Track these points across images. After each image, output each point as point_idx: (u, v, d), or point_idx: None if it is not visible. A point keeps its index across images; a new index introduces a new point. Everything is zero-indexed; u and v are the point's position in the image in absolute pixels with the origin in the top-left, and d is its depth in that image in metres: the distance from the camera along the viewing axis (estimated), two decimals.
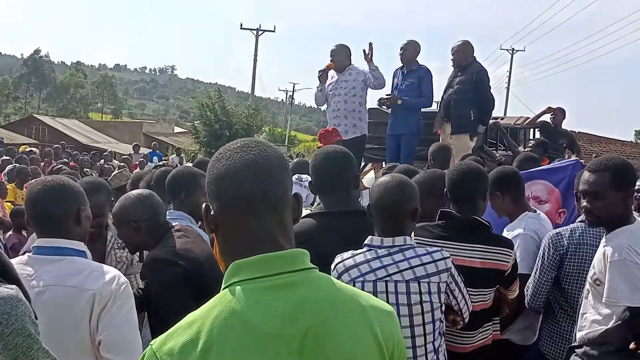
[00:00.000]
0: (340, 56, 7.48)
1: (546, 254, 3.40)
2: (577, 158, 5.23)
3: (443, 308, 2.66)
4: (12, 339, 1.56)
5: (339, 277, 2.63)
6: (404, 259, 2.60)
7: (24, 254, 3.00)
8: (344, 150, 3.12)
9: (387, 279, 2.58)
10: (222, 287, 1.33)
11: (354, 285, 2.57)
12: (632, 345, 2.65)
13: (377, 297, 2.48)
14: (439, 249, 2.70)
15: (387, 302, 2.55)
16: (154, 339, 1.32)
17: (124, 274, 2.79)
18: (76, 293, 2.29)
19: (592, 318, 2.85)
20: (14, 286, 1.63)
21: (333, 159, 3.05)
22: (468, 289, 2.79)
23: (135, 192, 3.21)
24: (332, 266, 2.68)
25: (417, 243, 2.76)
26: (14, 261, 2.35)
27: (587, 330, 2.85)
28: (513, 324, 3.69)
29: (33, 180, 2.56)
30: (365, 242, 2.68)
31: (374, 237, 2.68)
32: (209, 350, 1.23)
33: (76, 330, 2.29)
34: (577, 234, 3.33)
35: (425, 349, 2.59)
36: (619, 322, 2.70)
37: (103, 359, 2.33)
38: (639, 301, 2.64)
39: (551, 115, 8.80)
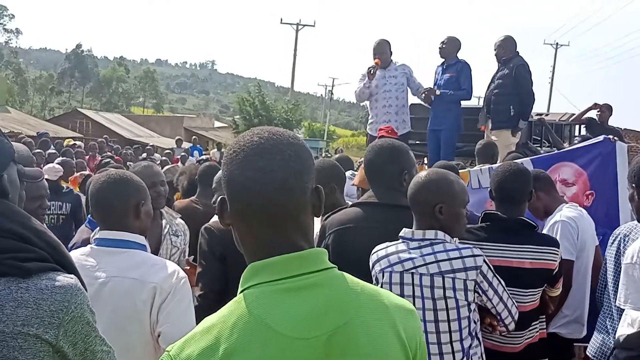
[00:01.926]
0: (385, 51, 7.47)
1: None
2: (604, 135, 5.09)
3: (472, 307, 2.59)
4: (72, 326, 1.60)
5: (372, 267, 2.67)
6: (432, 252, 2.56)
7: (73, 245, 3.09)
8: (390, 144, 3.08)
9: (413, 271, 2.56)
10: (240, 290, 1.28)
11: (383, 276, 2.61)
12: None
13: (403, 288, 2.56)
14: (470, 246, 2.64)
15: (413, 294, 2.56)
16: (171, 345, 1.28)
17: None
18: (138, 285, 2.34)
19: (627, 320, 2.79)
20: (72, 275, 1.67)
21: (376, 152, 3.05)
22: (519, 289, 2.76)
23: None
24: (370, 256, 2.70)
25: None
26: (77, 252, 2.46)
27: (619, 333, 2.80)
28: (558, 316, 3.68)
29: (96, 174, 2.65)
30: (400, 234, 2.67)
31: (407, 229, 2.67)
32: (230, 357, 1.18)
33: (138, 321, 2.35)
34: (624, 231, 3.23)
35: (452, 347, 2.54)
36: None
37: (162, 351, 2.38)
38: None
39: (597, 111, 8.65)
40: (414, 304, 2.51)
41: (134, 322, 2.34)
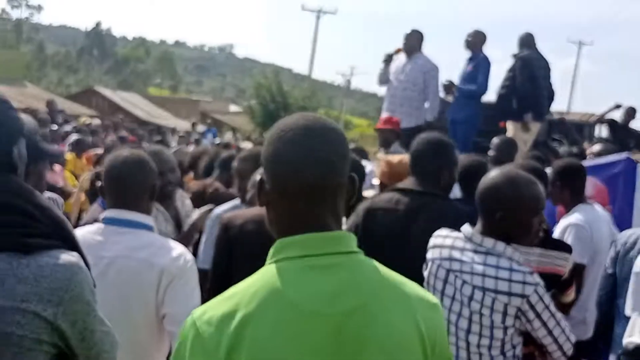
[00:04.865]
0: (411, 40, 7.45)
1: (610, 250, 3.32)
2: (628, 155, 5.05)
3: (509, 331, 2.40)
4: (71, 305, 1.59)
5: (427, 249, 2.61)
6: (482, 263, 2.40)
7: (85, 224, 3.05)
8: (433, 139, 3.23)
9: (457, 274, 2.44)
10: (267, 263, 1.33)
11: (432, 264, 2.55)
12: None
13: (445, 286, 2.49)
14: (527, 270, 2.39)
15: (452, 296, 2.47)
16: (196, 308, 1.33)
17: None
18: (145, 266, 2.33)
19: (637, 328, 2.72)
20: (75, 253, 1.65)
21: (419, 143, 3.21)
22: None
23: None
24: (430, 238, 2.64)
25: None
26: (85, 229, 2.44)
27: (630, 340, 2.71)
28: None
29: (115, 152, 2.66)
30: (462, 228, 2.54)
31: (469, 228, 2.51)
32: (246, 324, 1.24)
33: (144, 302, 2.34)
34: (634, 237, 3.17)
35: (480, 358, 2.44)
36: None
37: (166, 332, 2.40)
38: None
39: (624, 114, 8.57)
40: (451, 307, 2.46)
41: (139, 302, 2.34)
